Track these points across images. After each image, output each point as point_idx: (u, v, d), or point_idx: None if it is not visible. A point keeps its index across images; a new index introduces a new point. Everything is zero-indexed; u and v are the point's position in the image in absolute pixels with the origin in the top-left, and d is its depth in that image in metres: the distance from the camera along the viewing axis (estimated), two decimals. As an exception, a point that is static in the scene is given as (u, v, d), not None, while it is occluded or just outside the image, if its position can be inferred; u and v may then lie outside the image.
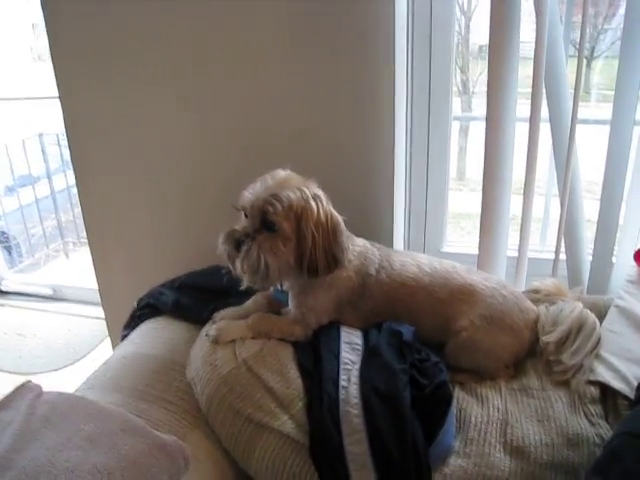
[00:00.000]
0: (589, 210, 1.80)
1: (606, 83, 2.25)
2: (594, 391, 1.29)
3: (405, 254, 1.49)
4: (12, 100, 3.84)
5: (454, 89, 1.88)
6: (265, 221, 1.26)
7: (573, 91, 1.62)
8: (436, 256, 1.56)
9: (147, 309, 1.62)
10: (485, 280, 1.43)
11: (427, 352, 1.34)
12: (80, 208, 2.19)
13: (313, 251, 1.27)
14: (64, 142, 3.41)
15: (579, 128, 1.65)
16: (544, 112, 1.67)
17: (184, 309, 1.56)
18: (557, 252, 1.78)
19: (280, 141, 1.81)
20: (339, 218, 1.32)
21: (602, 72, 2.34)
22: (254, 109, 1.81)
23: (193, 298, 1.57)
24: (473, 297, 1.39)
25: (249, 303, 1.46)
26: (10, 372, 2.86)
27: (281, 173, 1.33)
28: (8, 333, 3.23)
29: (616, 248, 1.78)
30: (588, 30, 1.76)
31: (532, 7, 1.55)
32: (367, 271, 1.39)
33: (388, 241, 1.82)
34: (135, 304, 1.67)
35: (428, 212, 2.00)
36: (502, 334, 1.37)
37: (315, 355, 1.30)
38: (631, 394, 1.23)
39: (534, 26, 1.56)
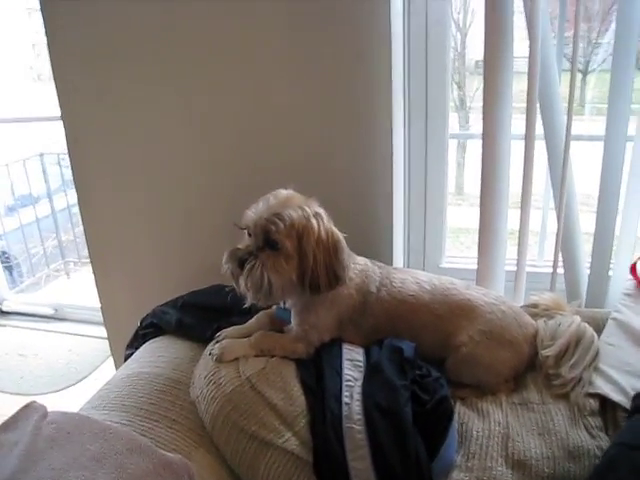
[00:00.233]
0: (587, 223, 1.82)
1: (601, 97, 2.27)
2: (593, 404, 1.30)
3: (405, 272, 1.51)
4: (13, 122, 3.85)
5: (451, 105, 1.90)
6: (268, 240, 1.28)
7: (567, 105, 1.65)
8: (435, 272, 1.58)
9: (150, 328, 1.64)
10: (484, 296, 1.45)
11: (428, 368, 1.35)
12: (82, 227, 2.20)
13: (315, 268, 1.29)
14: (65, 162, 3.44)
15: (574, 143, 1.67)
16: (539, 127, 1.69)
17: (187, 328, 1.57)
18: (555, 266, 1.80)
19: (281, 161, 1.82)
20: (340, 236, 1.34)
21: (597, 86, 2.37)
22: (256, 128, 1.83)
23: (196, 317, 1.59)
24: (472, 313, 1.41)
25: (252, 322, 1.47)
26: (11, 393, 2.84)
27: (283, 192, 1.35)
28: (9, 353, 3.22)
29: (613, 261, 1.79)
30: (582, 45, 1.79)
31: (525, 22, 1.59)
32: (368, 289, 1.41)
33: (388, 258, 1.83)
34: (138, 323, 1.68)
35: (427, 229, 2.02)
36: (502, 349, 1.39)
37: (318, 372, 1.32)
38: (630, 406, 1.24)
39: (528, 41, 1.59)
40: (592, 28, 2.09)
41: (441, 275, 1.51)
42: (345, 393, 1.25)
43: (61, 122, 2.02)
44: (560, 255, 1.80)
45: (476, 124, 1.96)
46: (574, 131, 1.66)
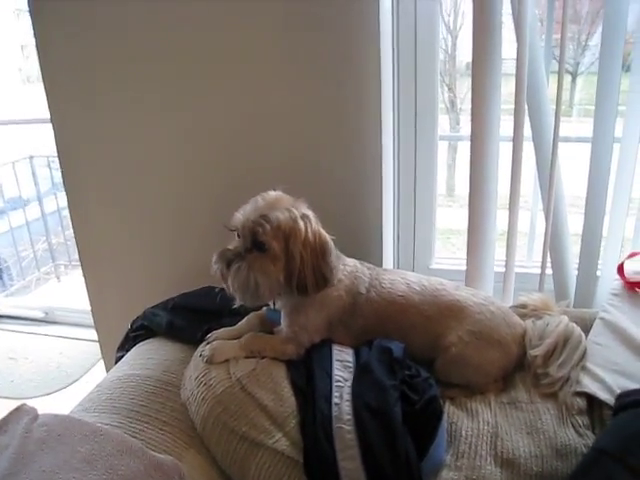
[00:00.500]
0: (575, 224, 1.83)
1: (589, 98, 2.29)
2: (581, 402, 1.31)
3: (394, 272, 1.51)
4: (2, 125, 3.84)
5: (442, 106, 1.91)
6: (255, 241, 1.29)
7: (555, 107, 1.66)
8: (425, 273, 1.59)
9: (141, 330, 1.64)
10: (473, 296, 1.46)
11: (417, 368, 1.36)
12: (72, 230, 2.20)
13: (302, 270, 1.29)
14: (55, 164, 3.43)
15: (562, 144, 1.68)
16: (528, 130, 1.71)
17: (178, 330, 1.57)
18: (543, 267, 1.81)
19: (270, 162, 1.83)
20: (328, 238, 1.34)
21: (585, 88, 2.38)
22: (244, 130, 1.84)
23: (187, 319, 1.59)
24: (461, 313, 1.41)
25: (242, 323, 1.48)
26: (2, 397, 2.83)
27: (272, 194, 1.36)
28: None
29: (600, 262, 1.81)
30: (572, 47, 1.80)
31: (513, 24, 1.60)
32: (358, 290, 1.42)
33: (377, 259, 1.84)
34: (129, 326, 1.68)
35: (417, 230, 2.03)
36: (490, 349, 1.39)
37: (308, 373, 1.32)
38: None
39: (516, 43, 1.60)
40: (582, 30, 2.11)
41: (431, 276, 1.52)
42: (335, 394, 1.26)
43: (50, 124, 2.02)
44: (548, 256, 1.81)
45: (467, 126, 1.97)
46: (562, 133, 1.67)
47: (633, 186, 1.72)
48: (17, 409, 1.15)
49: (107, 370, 2.15)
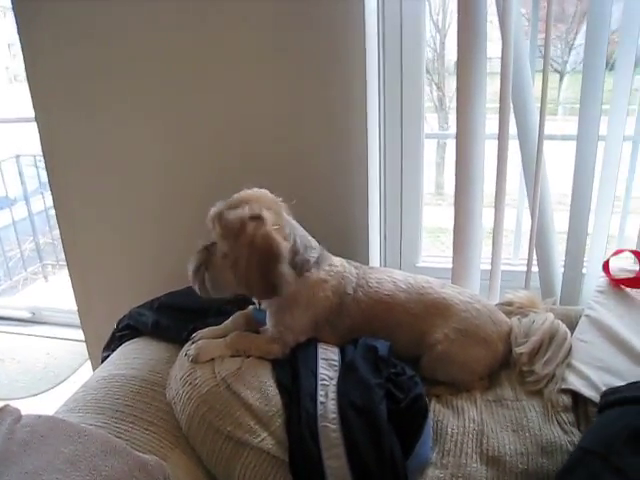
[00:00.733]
0: (561, 222, 1.84)
1: (575, 97, 2.30)
2: (566, 399, 1.31)
3: (381, 271, 1.51)
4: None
5: (430, 105, 1.91)
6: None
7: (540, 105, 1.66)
8: (412, 271, 1.59)
9: (127, 330, 1.63)
10: (459, 294, 1.46)
11: (402, 366, 1.35)
12: (58, 230, 2.19)
13: (247, 272, 1.27)
14: (41, 164, 3.41)
15: (548, 142, 1.69)
16: (513, 128, 1.71)
17: (163, 329, 1.57)
18: (529, 264, 1.82)
19: (255, 161, 1.83)
20: (281, 245, 1.27)
21: (570, 86, 2.39)
22: (230, 129, 1.84)
23: (172, 318, 1.58)
24: (447, 311, 1.42)
25: (228, 322, 1.47)
26: (-11, 397, 2.82)
27: (247, 191, 1.35)
28: (-14, 358, 3.19)
29: (586, 259, 1.82)
30: (559, 45, 1.80)
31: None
32: (345, 290, 1.41)
33: (364, 258, 1.84)
34: (115, 325, 1.67)
35: (403, 228, 2.03)
36: (476, 347, 1.40)
37: (293, 372, 1.32)
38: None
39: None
40: (569, 29, 2.12)
41: (417, 274, 1.52)
42: (320, 392, 1.25)
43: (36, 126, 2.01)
44: (535, 253, 1.82)
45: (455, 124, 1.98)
46: (548, 131, 1.68)
47: (618, 184, 1.73)
48: (0, 410, 1.14)
49: (94, 370, 2.14)
